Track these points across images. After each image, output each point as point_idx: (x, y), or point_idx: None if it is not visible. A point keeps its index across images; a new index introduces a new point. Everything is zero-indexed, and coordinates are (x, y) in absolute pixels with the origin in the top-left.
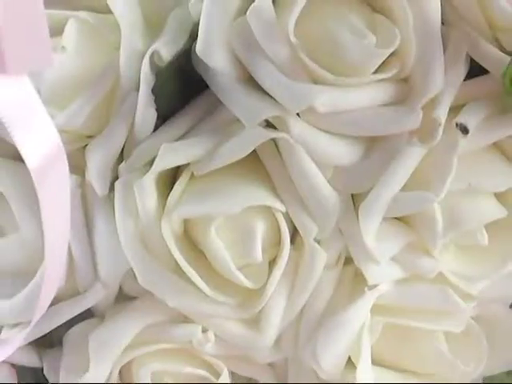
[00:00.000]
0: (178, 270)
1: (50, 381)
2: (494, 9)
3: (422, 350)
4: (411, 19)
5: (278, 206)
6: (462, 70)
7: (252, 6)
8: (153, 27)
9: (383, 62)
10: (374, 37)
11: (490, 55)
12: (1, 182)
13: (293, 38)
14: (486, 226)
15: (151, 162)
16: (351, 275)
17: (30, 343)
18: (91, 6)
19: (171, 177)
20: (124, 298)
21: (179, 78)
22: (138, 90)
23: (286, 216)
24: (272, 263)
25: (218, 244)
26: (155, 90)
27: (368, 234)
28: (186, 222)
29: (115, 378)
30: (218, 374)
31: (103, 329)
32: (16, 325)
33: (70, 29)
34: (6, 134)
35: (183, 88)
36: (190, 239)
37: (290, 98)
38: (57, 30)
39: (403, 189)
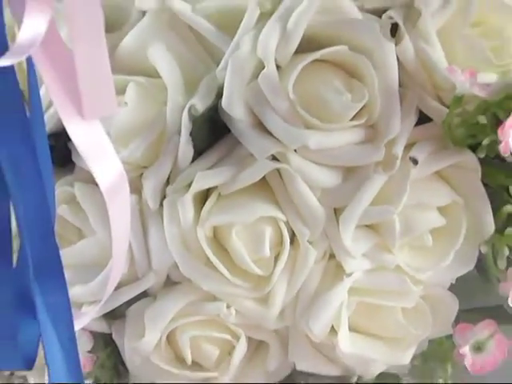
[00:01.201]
0: (209, 263)
1: (117, 343)
2: (437, 75)
3: (385, 320)
4: (377, 83)
5: (280, 216)
6: (413, 118)
7: (262, 72)
8: (190, 87)
9: (357, 113)
10: (350, 95)
11: (434, 108)
12: (82, 200)
13: (291, 96)
14: (431, 231)
15: (189, 185)
16: (334, 266)
17: (103, 316)
18: (146, 72)
19: (203, 195)
20: (170, 282)
21: (209, 125)
22: (179, 133)
23: (287, 224)
24: (276, 258)
25: (238, 244)
26: (192, 134)
27: (346, 237)
28: (215, 228)
29: (163, 342)
30: (237, 338)
31: (155, 305)
32: (92, 302)
33: (131, 89)
34: (85, 165)
35: (212, 132)
36: (218, 240)
37: (290, 138)
38: (121, 90)
39: (371, 204)
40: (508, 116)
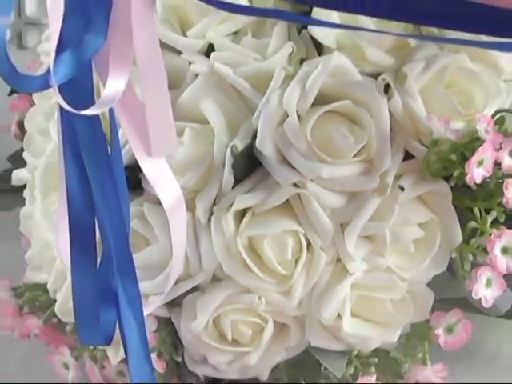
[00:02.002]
0: (245, 265)
1: (175, 324)
2: (419, 123)
3: (378, 308)
4: (373, 129)
5: (300, 229)
6: (401, 156)
7: (286, 121)
8: (232, 131)
9: (358, 151)
10: (353, 138)
11: (416, 148)
12: (149, 216)
13: (309, 138)
14: (413, 241)
15: (231, 206)
16: (340, 267)
17: (164, 304)
18: (198, 119)
19: (241, 213)
20: (216, 279)
21: (246, 159)
22: (223, 166)
23: (304, 235)
24: (296, 261)
25: (268, 250)
26: (233, 166)
27: (349, 245)
28: (250, 238)
29: (210, 324)
30: (266, 321)
31: (204, 297)
32: (156, 294)
33: (187, 133)
34: (152, 190)
35: (249, 164)
36: (252, 247)
37: (307, 170)
38: (180, 133)
39: (369, 220)
40: (473, 154)
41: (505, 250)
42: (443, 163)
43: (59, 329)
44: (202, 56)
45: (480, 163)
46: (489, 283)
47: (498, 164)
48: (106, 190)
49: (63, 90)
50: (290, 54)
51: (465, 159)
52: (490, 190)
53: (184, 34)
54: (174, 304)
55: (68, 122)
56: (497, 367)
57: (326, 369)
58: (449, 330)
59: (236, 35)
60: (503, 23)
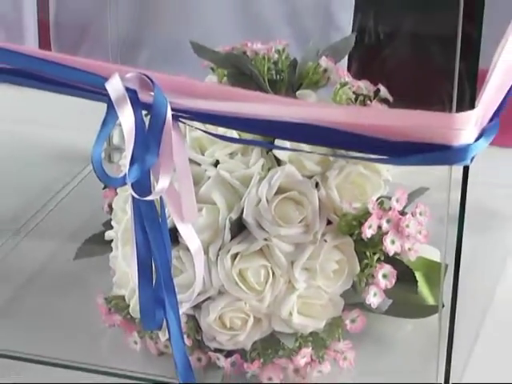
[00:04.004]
0: (237, 284)
1: (198, 318)
2: (335, 204)
3: (313, 309)
4: (310, 208)
5: (268, 264)
6: (325, 222)
7: (260, 203)
8: (229, 208)
9: (300, 220)
10: (298, 212)
11: (334, 218)
12: (183, 257)
13: (273, 213)
14: (332, 271)
15: (229, 251)
16: (291, 286)
17: (191, 307)
18: (210, 201)
19: (235, 255)
20: (220, 292)
21: (238, 225)
22: (224, 229)
23: (271, 267)
24: (266, 282)
25: (250, 276)
26: (230, 229)
27: (296, 274)
28: (240, 269)
29: (217, 318)
30: (249, 316)
31: (214, 303)
32: (186, 301)
33: (204, 210)
34: (184, 241)
35: (239, 228)
36: (241, 275)
37: (272, 231)
38: (199, 210)
39: (307, 259)
40: (365, 221)
41: (384, 276)
42: (349, 227)
43: (131, 321)
44: (212, 166)
45: (369, 227)
46: (375, 294)
47: (379, 227)
48: (158, 242)
49: (134, 185)
50: (262, 165)
51: (361, 224)
52: (375, 242)
53: (202, 154)
54: (197, 307)
55: (136, 204)
56: (383, 342)
57: (283, 343)
58: (353, 321)
59: (231, 154)
60: (382, 149)
